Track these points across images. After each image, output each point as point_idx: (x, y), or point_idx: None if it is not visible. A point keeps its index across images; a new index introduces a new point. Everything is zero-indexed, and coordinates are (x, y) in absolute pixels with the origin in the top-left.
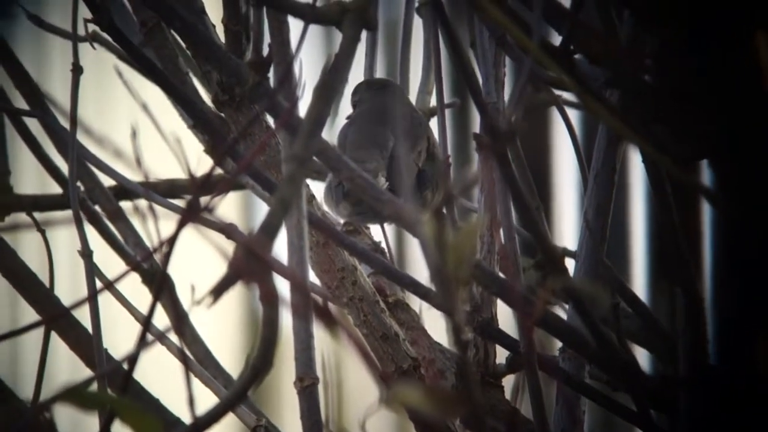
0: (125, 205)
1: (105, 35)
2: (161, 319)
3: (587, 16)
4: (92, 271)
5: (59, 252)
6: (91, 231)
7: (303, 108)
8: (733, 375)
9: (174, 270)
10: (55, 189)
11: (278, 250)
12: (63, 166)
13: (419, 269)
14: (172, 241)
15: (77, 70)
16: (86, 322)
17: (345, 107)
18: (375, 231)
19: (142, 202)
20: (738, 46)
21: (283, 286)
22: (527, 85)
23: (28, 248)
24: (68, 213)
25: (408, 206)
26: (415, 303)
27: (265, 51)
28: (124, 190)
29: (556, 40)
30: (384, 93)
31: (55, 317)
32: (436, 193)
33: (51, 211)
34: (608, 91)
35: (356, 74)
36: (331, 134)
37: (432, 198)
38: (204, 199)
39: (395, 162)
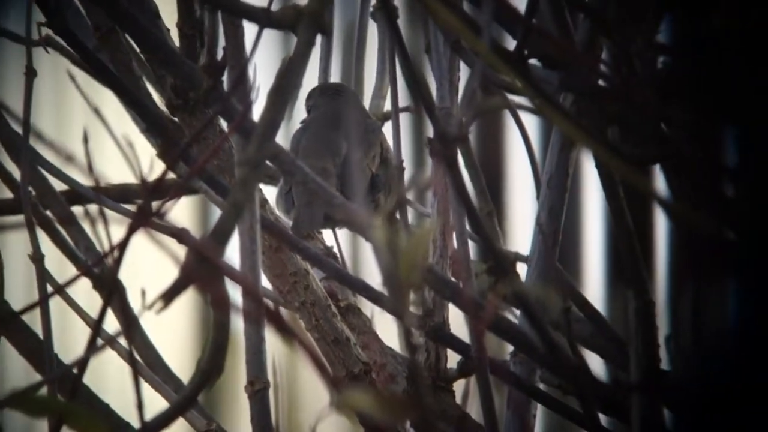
0: (77, 209)
1: (59, 39)
2: (112, 324)
3: (541, 20)
4: (43, 275)
5: (10, 256)
6: (42, 236)
7: (257, 112)
8: (685, 380)
9: (125, 275)
10: (7, 193)
11: (230, 254)
12: (15, 171)
13: (371, 274)
14: (123, 245)
15: (31, 73)
16: (37, 326)
17: (299, 111)
18: (327, 235)
19: (94, 207)
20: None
21: (234, 290)
22: (478, 88)
23: None
24: (20, 217)
25: (361, 210)
26: (367, 307)
27: (220, 55)
28: (76, 194)
29: (511, 44)
30: (338, 98)
31: (6, 321)
32: (388, 198)
33: (2, 216)
34: (562, 95)
35: (311, 78)
36: (285, 138)
37: (384, 202)
38: (156, 204)
39: (348, 167)
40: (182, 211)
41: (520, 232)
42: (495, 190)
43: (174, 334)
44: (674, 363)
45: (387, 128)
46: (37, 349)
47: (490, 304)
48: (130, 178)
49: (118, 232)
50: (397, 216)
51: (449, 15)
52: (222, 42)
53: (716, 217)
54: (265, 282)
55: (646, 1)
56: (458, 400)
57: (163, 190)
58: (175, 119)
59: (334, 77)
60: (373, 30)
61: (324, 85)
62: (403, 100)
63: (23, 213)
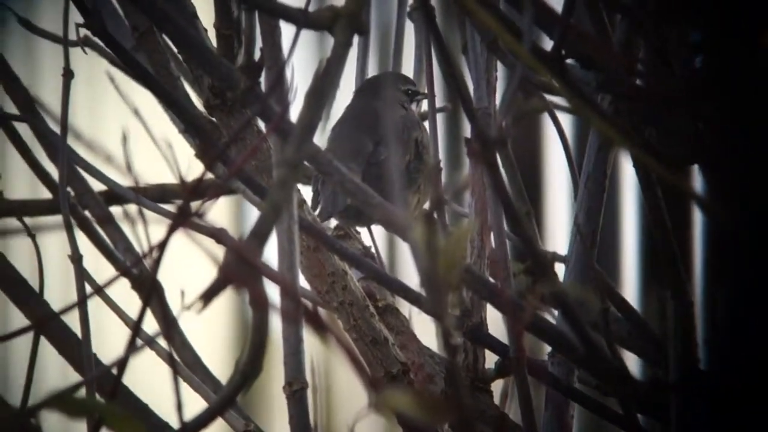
0: (115, 210)
1: (96, 40)
2: (151, 325)
3: (579, 21)
4: (82, 275)
5: (49, 257)
6: (81, 236)
7: (294, 113)
8: (724, 379)
9: (164, 275)
10: (46, 194)
11: (269, 254)
12: (53, 171)
13: (409, 274)
14: (162, 246)
15: (68, 74)
16: (76, 327)
17: (336, 112)
18: (365, 235)
19: (133, 207)
20: (738, 49)
21: (273, 290)
22: (518, 90)
23: (18, 253)
24: (58, 218)
25: (398, 211)
26: (405, 308)
27: (257, 55)
28: (115, 195)
29: (548, 44)
30: (371, 96)
31: (45, 322)
32: (418, 195)
33: (41, 216)
34: (600, 95)
35: (348, 79)
36: (322, 139)
37: (416, 200)
38: (195, 204)
39: (372, 168)
40: (219, 212)
41: (558, 232)
42: (532, 190)
43: (213, 335)
44: (712, 362)
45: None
46: (76, 350)
47: (529, 304)
48: (168, 179)
49: (156, 232)
50: (435, 216)
51: (486, 15)
52: (259, 42)
53: (753, 216)
54: (303, 282)
55: (682, 1)
56: (496, 400)
57: (201, 190)
58: (213, 120)
59: None
60: (409, 30)
61: (363, 83)
62: (440, 100)
63: (62, 213)
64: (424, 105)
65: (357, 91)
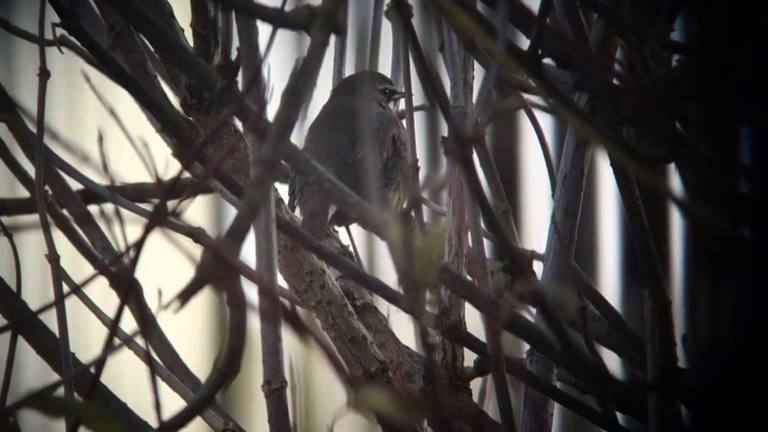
0: (93, 209)
1: (73, 39)
2: (129, 323)
3: (556, 20)
4: (59, 275)
5: (27, 256)
6: (58, 235)
7: (271, 112)
8: (702, 377)
9: (141, 274)
10: (23, 193)
11: (246, 253)
12: (30, 170)
13: (387, 273)
14: (139, 245)
15: (45, 74)
16: (53, 326)
17: (313, 111)
18: (343, 234)
19: (110, 206)
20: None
21: (250, 290)
22: (493, 89)
23: None
24: (36, 217)
25: (376, 209)
26: (383, 306)
27: (234, 55)
28: (92, 194)
29: (525, 43)
30: (346, 95)
31: (22, 321)
32: (397, 192)
33: (18, 215)
34: (577, 94)
35: (325, 78)
36: (299, 138)
37: (396, 198)
38: (172, 203)
39: (350, 167)
40: (196, 211)
41: (536, 230)
42: (510, 189)
43: (191, 334)
44: (691, 361)
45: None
46: (54, 349)
47: (507, 302)
48: (145, 178)
49: (134, 231)
50: (413, 215)
51: (463, 15)
52: (236, 42)
53: (731, 215)
54: (281, 281)
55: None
56: (475, 398)
57: (178, 189)
58: (190, 119)
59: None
60: (386, 29)
61: (340, 82)
62: (417, 99)
63: (39, 212)
64: (402, 104)
65: (334, 90)
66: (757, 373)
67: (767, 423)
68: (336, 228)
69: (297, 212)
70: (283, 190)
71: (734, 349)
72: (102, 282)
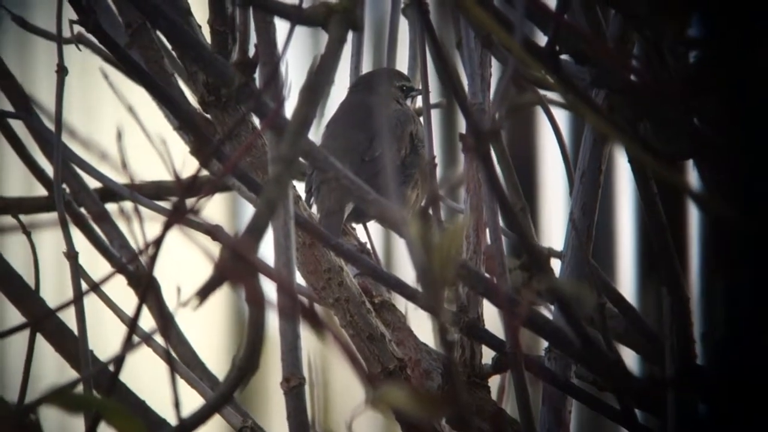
0: (111, 207)
1: (90, 37)
2: (147, 321)
3: (573, 16)
4: (78, 272)
5: (45, 254)
6: (76, 233)
7: (289, 109)
8: (720, 375)
9: (160, 272)
10: (41, 191)
11: (265, 251)
12: (48, 168)
13: (405, 270)
14: (158, 242)
15: (62, 71)
16: (72, 323)
17: (331, 108)
18: (361, 232)
19: (128, 204)
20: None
21: (269, 287)
22: (511, 85)
23: (14, 250)
24: (54, 215)
25: (394, 206)
26: (401, 304)
27: (252, 52)
28: (110, 192)
29: (542, 40)
30: (364, 92)
31: (41, 319)
32: (416, 190)
33: (36, 214)
34: (594, 90)
35: (342, 75)
36: (317, 135)
37: (415, 196)
38: (190, 201)
39: (367, 164)
40: (214, 208)
41: (554, 227)
42: (528, 185)
43: (209, 331)
44: (709, 358)
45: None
46: (73, 347)
47: (525, 299)
48: (163, 176)
49: (152, 229)
50: (431, 212)
51: (480, 11)
52: (254, 39)
53: (749, 211)
54: (300, 279)
55: None
56: (493, 395)
57: (196, 187)
58: (208, 116)
59: None
60: (404, 26)
61: (357, 80)
62: (435, 96)
63: (57, 210)
64: (419, 101)
65: (351, 87)
66: None
67: None
68: (353, 225)
69: (314, 210)
70: (301, 187)
71: (751, 345)
72: (120, 280)
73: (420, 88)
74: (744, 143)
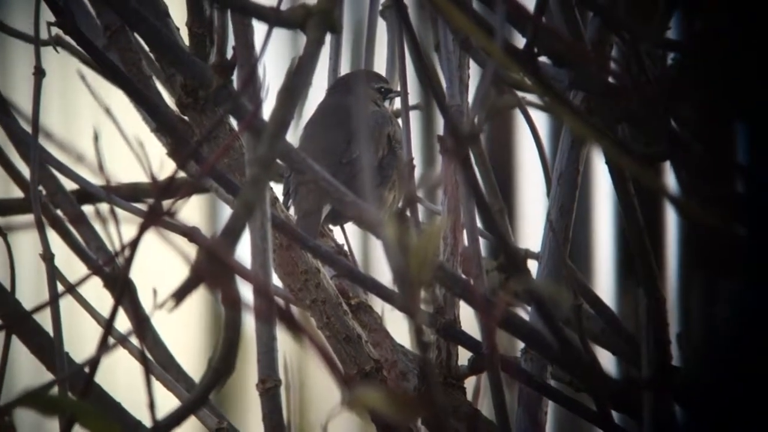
0: (87, 208)
1: (68, 39)
2: (123, 323)
3: (551, 18)
4: (54, 274)
5: (21, 256)
6: (52, 235)
7: (267, 111)
8: (696, 376)
9: (136, 273)
10: (17, 193)
11: (241, 253)
12: (25, 170)
13: (382, 271)
14: (134, 244)
15: (40, 73)
16: (48, 325)
17: (309, 110)
18: (338, 233)
19: (105, 206)
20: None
21: (245, 289)
22: (490, 87)
23: None
24: (30, 217)
25: (371, 208)
26: (378, 305)
27: (230, 54)
28: (87, 193)
29: (521, 42)
30: (341, 94)
31: (17, 321)
32: (393, 191)
33: (12, 215)
34: (572, 92)
35: (320, 77)
36: (294, 137)
37: (392, 197)
38: (167, 203)
39: (345, 167)
40: (191, 210)
41: (531, 229)
42: (505, 187)
43: (185, 333)
44: (685, 359)
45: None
46: (48, 348)
47: (501, 301)
48: (140, 177)
49: (128, 231)
50: (408, 213)
51: (458, 14)
52: (232, 41)
53: (726, 213)
54: (276, 280)
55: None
56: (469, 396)
57: (173, 188)
58: (185, 118)
59: None
60: (382, 28)
61: (335, 81)
62: (413, 97)
63: (33, 212)
64: (397, 103)
65: (329, 89)
66: (750, 371)
67: (762, 421)
68: (331, 227)
69: (291, 211)
70: (278, 189)
71: (728, 347)
72: (96, 282)
73: (398, 89)
74: (720, 145)
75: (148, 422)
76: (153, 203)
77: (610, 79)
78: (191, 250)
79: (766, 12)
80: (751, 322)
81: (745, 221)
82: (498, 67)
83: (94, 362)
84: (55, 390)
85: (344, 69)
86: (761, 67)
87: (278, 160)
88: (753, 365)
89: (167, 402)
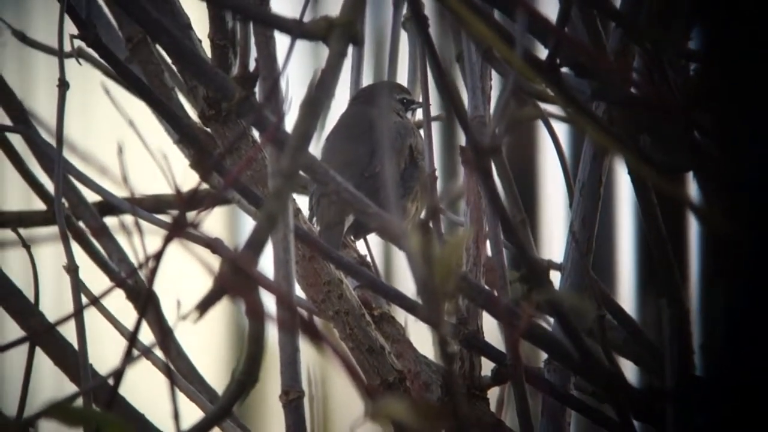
0: (111, 221)
1: (91, 51)
2: (147, 335)
3: (573, 29)
4: (78, 286)
5: (44, 268)
6: (76, 247)
7: (290, 123)
8: (720, 386)
9: (160, 285)
10: (40, 205)
11: (264, 264)
12: (47, 183)
13: (405, 282)
14: (158, 256)
15: (63, 86)
16: (72, 337)
17: (331, 122)
18: (361, 244)
19: (128, 218)
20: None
21: (268, 300)
22: (511, 99)
23: (14, 264)
24: (53, 229)
25: (394, 219)
26: (401, 316)
27: (252, 66)
28: (110, 205)
29: (543, 53)
30: (363, 104)
31: (41, 333)
32: (415, 202)
33: (36, 228)
34: (594, 103)
35: (342, 88)
36: (317, 149)
37: (414, 209)
38: (190, 215)
39: (368, 180)
40: (214, 222)
41: (554, 240)
42: (527, 198)
43: (209, 345)
44: (708, 370)
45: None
46: (72, 360)
47: (524, 312)
48: (163, 189)
49: (152, 243)
50: (431, 225)
51: (481, 25)
52: (254, 53)
53: (748, 223)
54: (299, 291)
55: (677, 9)
56: (493, 407)
57: (196, 200)
58: (208, 130)
59: None
60: (404, 40)
61: (358, 92)
62: (435, 108)
63: (57, 225)
64: (419, 113)
65: (352, 99)
66: None
67: None
68: (353, 238)
69: (314, 223)
70: (300, 200)
71: (750, 357)
72: (120, 294)
73: (420, 101)
74: (743, 156)
75: None
76: (176, 215)
77: (633, 90)
78: (214, 261)
79: None
80: None
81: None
82: (519, 78)
83: (118, 374)
84: (80, 402)
85: (366, 80)
86: None
87: (301, 172)
88: None
89: (191, 413)
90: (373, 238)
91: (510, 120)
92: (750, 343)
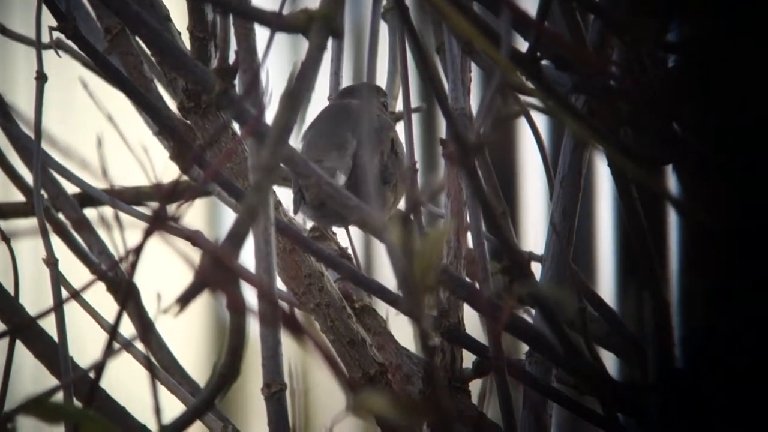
0: (90, 213)
1: (70, 43)
2: (127, 328)
3: (553, 22)
4: (58, 279)
5: (24, 261)
6: (56, 239)
7: (270, 115)
8: (701, 378)
9: (140, 278)
10: (19, 197)
11: (245, 257)
12: (27, 175)
13: (386, 275)
14: (138, 249)
15: (41, 78)
16: (52, 331)
17: (311, 114)
18: (341, 236)
19: (108, 211)
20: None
21: (250, 293)
22: (496, 95)
23: None
24: (33, 221)
25: (375, 212)
26: (382, 309)
27: (232, 58)
28: (89, 197)
29: (522, 46)
30: (348, 96)
31: (20, 326)
32: (396, 193)
33: (15, 220)
34: (574, 96)
35: (322, 81)
36: (297, 141)
37: (392, 199)
38: (170, 207)
39: (358, 167)
40: (195, 214)
41: (534, 232)
42: (508, 190)
43: (190, 338)
44: (689, 362)
45: (399, 128)
46: (53, 354)
47: (506, 304)
48: (143, 182)
49: (132, 235)
50: (411, 217)
51: (460, 18)
52: (234, 45)
53: (727, 215)
54: (280, 284)
55: (656, 1)
56: (474, 400)
57: (177, 193)
58: (188, 122)
59: (345, 79)
60: (383, 31)
61: (339, 91)
62: (415, 100)
63: (36, 217)
64: (399, 105)
65: (337, 95)
66: (753, 374)
67: (765, 424)
68: (334, 230)
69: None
70: (281, 193)
71: (730, 350)
72: (100, 287)
73: (398, 111)
74: (722, 148)
75: (153, 427)
76: (156, 208)
77: (612, 82)
78: (195, 254)
79: (765, 14)
80: (752, 324)
81: (744, 223)
82: (504, 74)
83: (99, 367)
84: (60, 396)
85: (346, 72)
86: (760, 69)
87: (281, 165)
88: (755, 368)
89: (173, 407)
90: (354, 231)
91: (496, 119)
92: (730, 335)
